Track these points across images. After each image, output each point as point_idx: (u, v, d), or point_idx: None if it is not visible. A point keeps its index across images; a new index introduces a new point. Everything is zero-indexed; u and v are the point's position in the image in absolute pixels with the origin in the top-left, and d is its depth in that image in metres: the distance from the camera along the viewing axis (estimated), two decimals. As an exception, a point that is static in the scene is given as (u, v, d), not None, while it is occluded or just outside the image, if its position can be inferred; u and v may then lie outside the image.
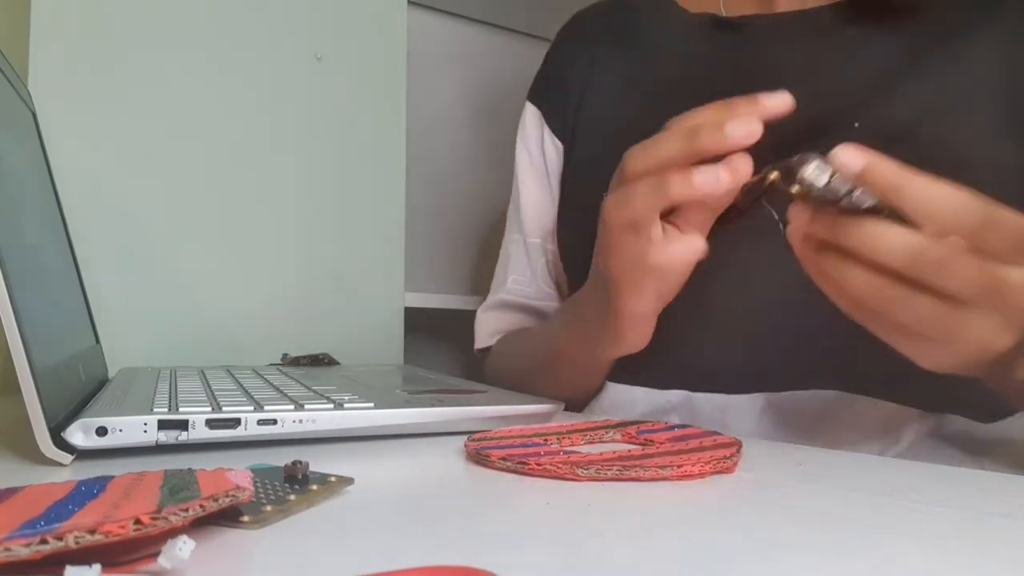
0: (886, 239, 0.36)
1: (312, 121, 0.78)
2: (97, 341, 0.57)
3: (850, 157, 0.36)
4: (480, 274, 1.20)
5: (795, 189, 0.39)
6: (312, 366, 0.69)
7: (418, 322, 0.91)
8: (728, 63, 0.59)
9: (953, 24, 0.54)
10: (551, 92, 0.73)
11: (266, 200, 0.75)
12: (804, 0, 0.59)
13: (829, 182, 0.37)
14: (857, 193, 0.37)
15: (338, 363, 0.72)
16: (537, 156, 0.73)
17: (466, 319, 1.10)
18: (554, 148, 0.71)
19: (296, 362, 0.70)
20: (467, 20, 1.23)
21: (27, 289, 0.33)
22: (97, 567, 0.17)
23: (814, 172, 0.38)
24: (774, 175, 0.40)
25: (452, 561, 0.19)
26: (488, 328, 0.75)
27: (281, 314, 0.75)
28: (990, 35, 0.53)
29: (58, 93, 0.63)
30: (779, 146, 0.40)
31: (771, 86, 0.42)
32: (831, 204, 0.37)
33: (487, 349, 0.74)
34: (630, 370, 0.58)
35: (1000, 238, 0.36)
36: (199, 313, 0.70)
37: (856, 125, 0.52)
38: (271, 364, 0.70)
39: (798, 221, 0.39)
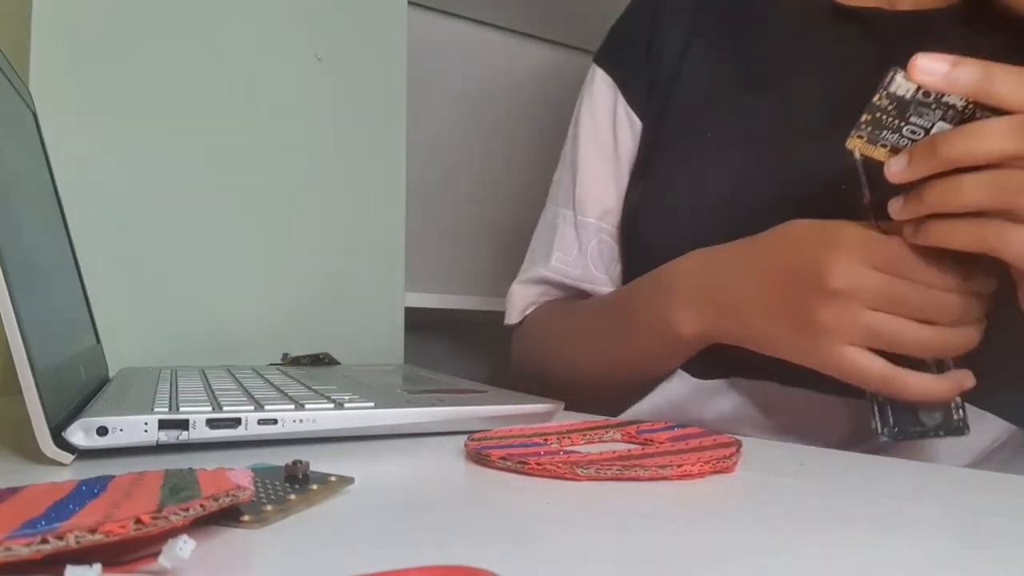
0: (987, 128, 0.35)
1: (312, 121, 0.78)
2: (98, 341, 0.57)
3: (931, 61, 0.36)
4: (481, 273, 1.20)
5: (881, 152, 0.38)
6: (312, 366, 0.69)
7: (418, 322, 0.91)
8: (844, 53, 0.57)
9: None
10: (633, 59, 0.67)
11: (266, 200, 0.75)
12: (924, 0, 0.58)
13: (917, 91, 0.37)
14: (945, 98, 0.36)
15: (338, 363, 0.72)
16: (605, 128, 0.67)
17: (467, 319, 1.10)
18: (628, 124, 0.66)
19: (296, 362, 0.70)
20: (467, 20, 1.23)
21: (27, 289, 0.33)
22: (97, 567, 0.17)
23: (901, 83, 0.37)
24: (857, 143, 0.39)
25: (452, 561, 0.19)
26: (523, 302, 0.71)
27: (281, 314, 0.75)
28: None
29: (59, 93, 0.63)
30: None
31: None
32: (917, 127, 0.37)
33: (519, 324, 0.71)
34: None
35: None
36: (199, 313, 0.70)
37: None
38: (271, 364, 0.70)
39: (895, 208, 0.39)
